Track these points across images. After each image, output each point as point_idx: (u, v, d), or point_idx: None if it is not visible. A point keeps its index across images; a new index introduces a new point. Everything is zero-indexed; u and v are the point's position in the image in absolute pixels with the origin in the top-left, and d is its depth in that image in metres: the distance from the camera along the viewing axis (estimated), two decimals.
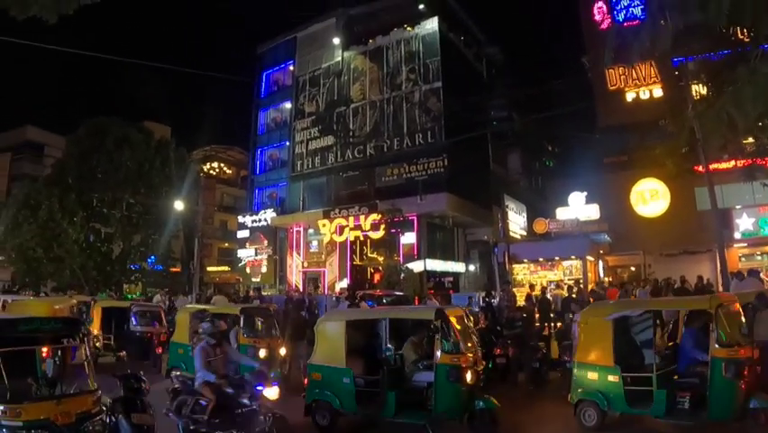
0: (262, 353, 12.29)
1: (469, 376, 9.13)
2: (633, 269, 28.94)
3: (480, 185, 33.60)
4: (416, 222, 30.88)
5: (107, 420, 6.56)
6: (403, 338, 10.45)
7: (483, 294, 24.69)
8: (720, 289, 19.93)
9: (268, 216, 38.01)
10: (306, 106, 37.68)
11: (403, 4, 34.90)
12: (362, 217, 31.34)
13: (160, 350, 16.21)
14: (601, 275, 28.58)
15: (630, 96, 29.30)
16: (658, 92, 28.91)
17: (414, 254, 30.56)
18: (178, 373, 6.63)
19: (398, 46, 34.39)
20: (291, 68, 39.89)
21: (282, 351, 13.44)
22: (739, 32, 17.67)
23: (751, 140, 22.04)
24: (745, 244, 28.63)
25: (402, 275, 28.82)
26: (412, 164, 31.69)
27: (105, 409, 6.92)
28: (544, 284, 26.99)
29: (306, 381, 10.28)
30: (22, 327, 6.96)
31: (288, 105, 39.45)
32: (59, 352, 7.53)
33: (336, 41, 36.62)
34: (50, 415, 6.15)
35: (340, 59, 36.53)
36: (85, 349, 7.23)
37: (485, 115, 35.31)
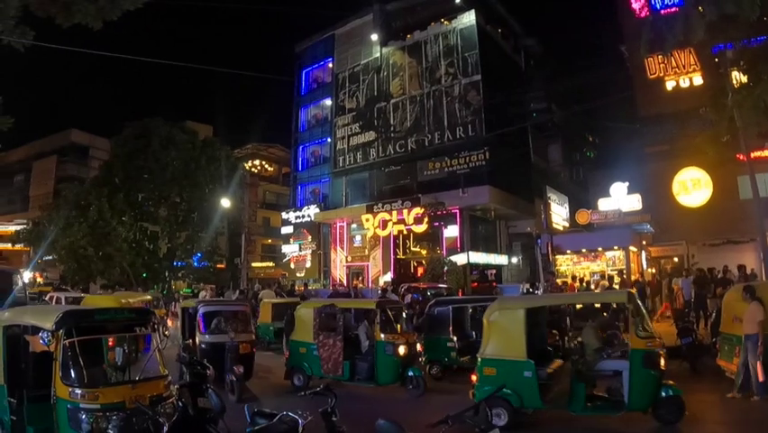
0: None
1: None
2: (676, 259, 28.75)
3: (522, 177, 33.77)
4: (458, 215, 31.18)
5: (177, 404, 6.80)
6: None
7: (528, 285, 25.14)
8: (764, 278, 19.94)
9: (311, 211, 38.71)
10: (346, 103, 38.19)
11: None
12: (405, 211, 31.69)
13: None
14: (644, 266, 28.61)
15: (670, 85, 29.03)
16: (698, 80, 28.61)
17: (456, 247, 30.88)
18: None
19: (436, 40, 34.64)
20: (330, 65, 40.37)
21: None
22: None
23: None
24: None
25: (445, 268, 29.22)
26: (453, 158, 31.96)
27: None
28: (587, 276, 27.22)
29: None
30: (98, 316, 7.54)
31: (328, 101, 40.01)
32: (133, 340, 7.95)
33: (374, 37, 36.95)
34: (126, 398, 6.51)
35: (378, 54, 36.90)
36: (156, 337, 7.64)
37: (525, 108, 35.43)
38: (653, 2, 30.87)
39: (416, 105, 34.45)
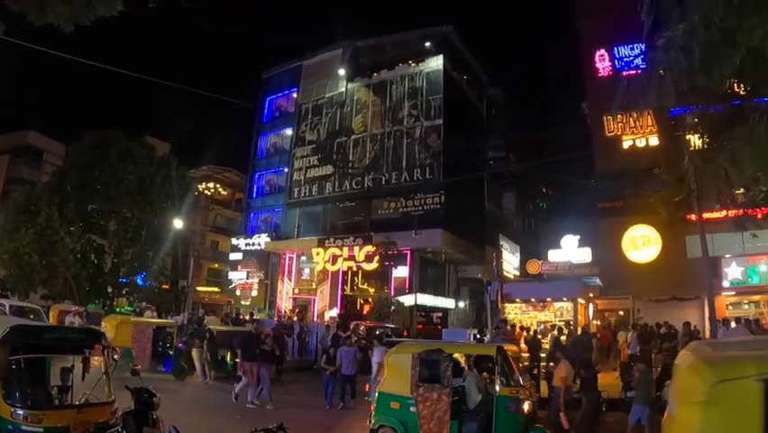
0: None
1: (526, 407, 10.24)
2: (621, 313, 29.19)
3: (475, 223, 33.93)
4: (409, 256, 31.09)
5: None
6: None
7: (476, 331, 24.90)
8: (708, 335, 20.20)
9: (262, 240, 38.16)
10: (306, 134, 38.04)
11: (410, 41, 35.45)
12: (357, 248, 31.50)
13: None
14: (591, 318, 28.74)
15: (627, 144, 29.76)
16: (654, 141, 29.40)
17: (405, 288, 30.71)
18: None
19: (402, 81, 34.92)
20: (295, 95, 40.30)
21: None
22: (736, 86, 18.18)
23: (743, 190, 22.48)
24: (733, 293, 28.99)
25: (393, 308, 28.92)
26: (409, 199, 32.03)
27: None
28: (534, 325, 27.17)
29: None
30: (48, 334, 7.09)
31: (289, 131, 39.80)
32: (80, 361, 7.68)
33: (341, 71, 37.09)
34: (70, 423, 6.30)
35: (344, 89, 36.99)
36: (105, 361, 7.41)
37: (483, 155, 35.85)
38: (616, 64, 31.75)
39: (377, 144, 34.51)
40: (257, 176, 42.32)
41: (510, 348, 11.76)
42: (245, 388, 14.72)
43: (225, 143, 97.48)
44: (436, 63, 34.01)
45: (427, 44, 34.92)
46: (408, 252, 31.02)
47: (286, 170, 38.96)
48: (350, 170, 35.13)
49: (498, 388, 10.26)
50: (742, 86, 17.13)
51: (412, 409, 10.23)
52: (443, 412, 10.07)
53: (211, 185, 53.59)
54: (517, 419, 9.82)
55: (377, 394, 10.78)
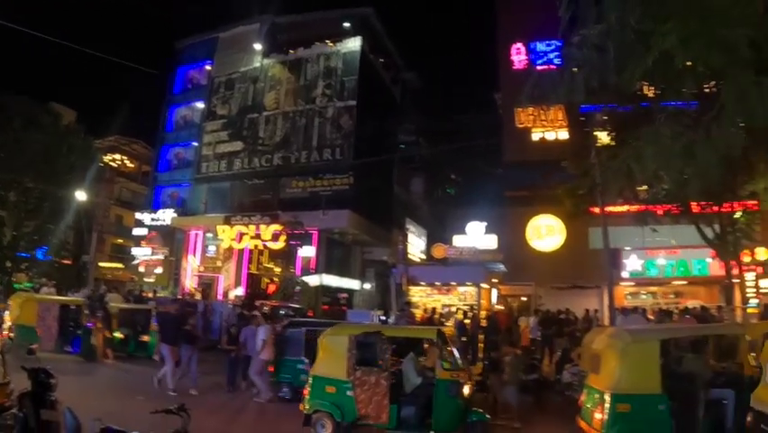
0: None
1: (466, 390, 9.96)
2: (524, 299, 29.88)
3: (383, 206, 33.84)
4: (315, 236, 30.69)
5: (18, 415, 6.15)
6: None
7: (380, 313, 24.85)
8: (607, 322, 20.93)
9: (167, 215, 36.92)
10: (218, 108, 36.94)
11: (329, 20, 34.91)
12: (263, 226, 30.89)
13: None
14: (494, 303, 29.29)
15: (536, 136, 30.38)
16: (563, 135, 30.13)
17: (311, 268, 30.35)
18: None
19: (318, 60, 34.38)
20: (209, 67, 39.02)
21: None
22: (645, 88, 18.75)
23: (645, 187, 23.36)
24: (632, 283, 30.20)
25: (298, 288, 28.54)
26: (318, 179, 31.65)
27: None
28: (439, 308, 27.44)
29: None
30: None
31: (200, 104, 38.55)
32: None
33: (258, 46, 36.17)
34: None
35: (259, 65, 36.09)
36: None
37: (394, 139, 35.78)
38: (532, 57, 32.28)
39: (288, 122, 33.91)
40: (165, 149, 40.78)
41: (448, 331, 11.57)
42: (167, 372, 13.66)
43: (134, 114, 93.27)
44: (354, 44, 33.63)
45: (346, 25, 34.49)
46: (315, 232, 30.62)
47: (195, 144, 37.74)
48: (260, 147, 34.35)
49: (437, 371, 10.10)
50: (652, 89, 17.68)
51: (349, 393, 9.93)
52: (381, 396, 9.86)
53: (117, 156, 51.37)
54: (457, 402, 9.64)
55: (311, 378, 10.28)
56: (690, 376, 9.22)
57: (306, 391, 10.16)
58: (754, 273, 29.39)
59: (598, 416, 8.73)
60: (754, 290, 28.93)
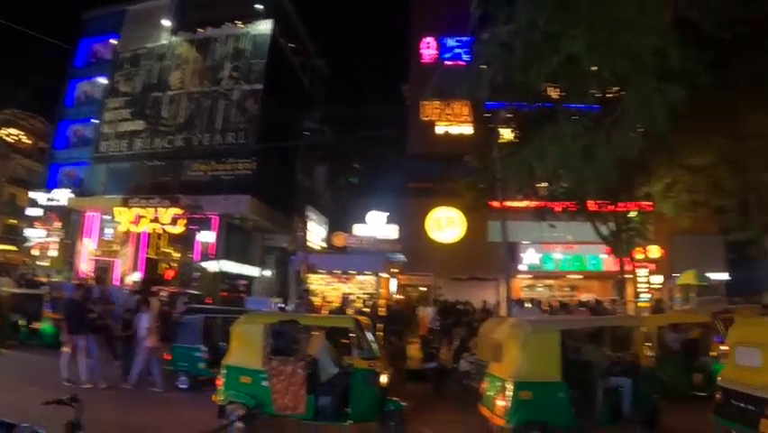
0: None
1: (384, 379, 9.73)
2: (423, 289, 30.20)
3: (285, 192, 33.43)
4: (216, 221, 30.13)
5: None
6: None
7: (279, 300, 24.58)
8: (503, 313, 21.40)
9: (64, 195, 35.38)
10: (121, 85, 35.64)
11: (241, 0, 34.12)
12: (162, 210, 30.03)
13: None
14: (394, 292, 29.46)
15: (441, 130, 30.64)
16: (468, 130, 30.50)
17: (210, 254, 29.78)
18: None
19: (227, 41, 33.71)
20: (114, 41, 37.57)
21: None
22: (551, 90, 19.14)
23: (545, 185, 23.96)
24: (529, 276, 30.99)
25: (197, 274, 27.98)
26: (220, 162, 31.11)
27: None
28: (338, 297, 27.36)
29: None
30: None
31: (103, 80, 37.09)
32: None
33: (166, 23, 35.11)
34: None
35: (166, 42, 35.07)
36: None
37: (299, 125, 35.36)
38: (442, 52, 32.46)
39: (193, 103, 33.17)
40: (64, 125, 39.11)
41: (364, 320, 11.19)
42: (70, 364, 12.84)
43: (33, 87, 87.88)
44: (265, 27, 33.14)
45: (258, 6, 33.87)
46: (216, 217, 30.05)
47: (95, 121, 36.28)
48: (162, 128, 33.41)
49: (354, 361, 10.09)
50: (557, 91, 18.02)
51: (264, 383, 9.61)
52: (298, 386, 9.58)
53: (13, 131, 48.57)
54: (375, 391, 9.48)
55: (225, 367, 9.81)
56: (588, 365, 9.70)
57: (220, 381, 9.79)
58: (647, 270, 30.71)
59: (500, 403, 8.99)
60: (646, 285, 30.24)
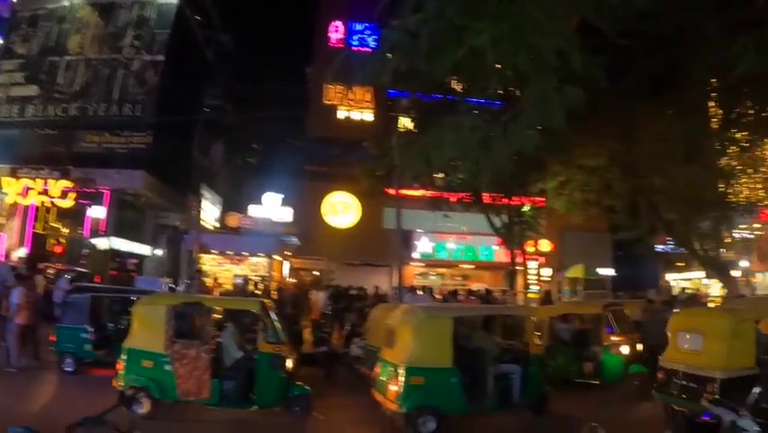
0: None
1: (289, 364, 9.63)
2: (316, 273, 30.26)
3: (180, 169, 32.59)
4: (108, 196, 29.06)
5: None
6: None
7: (169, 280, 24.16)
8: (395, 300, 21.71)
9: None
10: (17, 46, 33.70)
11: None
12: (52, 182, 28.69)
13: None
14: (286, 275, 29.43)
15: (342, 114, 30.64)
16: (369, 116, 30.56)
17: (100, 230, 28.79)
18: None
19: (132, 7, 32.49)
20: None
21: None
22: (454, 83, 19.21)
23: (442, 175, 24.26)
24: (422, 264, 31.46)
25: (86, 251, 27.14)
26: (114, 135, 29.97)
27: None
28: (230, 279, 27.18)
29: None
30: None
31: None
32: None
33: None
34: None
35: (68, 3, 33.32)
36: None
37: (200, 101, 34.49)
38: (349, 37, 32.25)
39: (90, 70, 31.85)
40: None
41: (269, 303, 10.99)
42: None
43: None
44: None
45: None
46: (108, 191, 28.99)
47: None
48: (56, 95, 31.96)
49: (260, 345, 9.80)
50: (460, 84, 18.02)
51: (167, 367, 9.31)
52: (202, 371, 9.36)
53: None
54: (280, 376, 9.40)
55: (126, 351, 9.41)
56: (479, 352, 9.94)
57: (120, 365, 9.42)
58: (537, 262, 31.70)
59: (392, 388, 9.10)
60: (536, 277, 31.22)
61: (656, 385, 9.58)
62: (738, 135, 21.70)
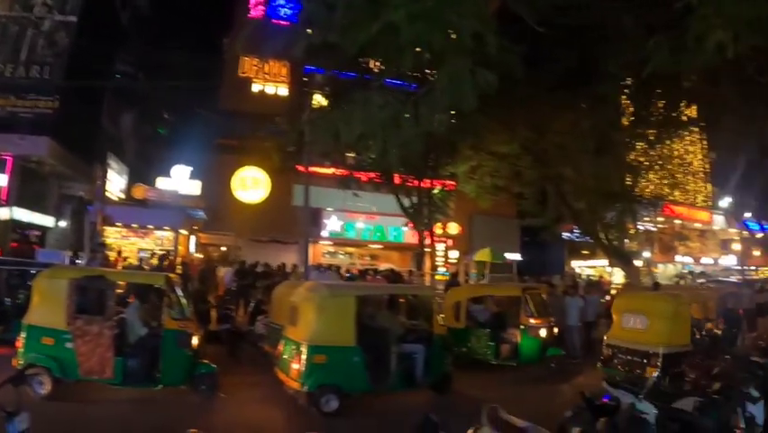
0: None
1: (195, 341, 9.47)
2: (224, 249, 30.13)
3: (87, 137, 31.50)
4: (10, 163, 28.04)
5: None
6: None
7: (71, 253, 23.76)
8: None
9: None
10: None
11: None
12: None
13: None
14: (192, 250, 29.29)
15: (256, 88, 30.28)
16: (283, 91, 30.27)
17: (2, 199, 27.80)
18: None
19: None
20: None
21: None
22: (372, 62, 19.25)
23: (354, 154, 24.36)
24: (331, 243, 31.66)
25: None
26: (19, 98, 28.72)
27: None
28: (134, 252, 26.94)
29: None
30: None
31: None
32: None
33: None
34: None
35: None
36: None
37: (111, 66, 33.47)
38: (269, 9, 31.71)
39: None
40: None
41: (174, 277, 10.87)
42: None
43: None
44: None
45: None
46: (10, 158, 27.98)
47: None
48: None
49: (165, 321, 9.56)
50: (378, 63, 17.96)
51: (69, 345, 9.01)
52: (105, 348, 9.09)
53: None
54: (186, 354, 9.25)
55: (25, 327, 9.11)
56: (383, 331, 10.00)
57: (20, 342, 9.09)
58: (445, 245, 32.20)
59: (295, 366, 9.12)
60: (444, 259, 31.76)
61: (602, 360, 10.76)
62: (647, 132, 22.43)
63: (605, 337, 11.12)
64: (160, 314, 9.79)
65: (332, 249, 31.94)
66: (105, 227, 26.28)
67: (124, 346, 9.36)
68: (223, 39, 33.42)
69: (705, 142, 46.13)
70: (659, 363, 9.48)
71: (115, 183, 31.68)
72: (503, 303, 14.80)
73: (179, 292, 10.07)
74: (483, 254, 27.23)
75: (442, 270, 30.24)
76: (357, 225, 31.22)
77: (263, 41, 24.32)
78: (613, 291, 24.60)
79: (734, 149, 27.51)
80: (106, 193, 27.90)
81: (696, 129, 39.08)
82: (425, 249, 26.70)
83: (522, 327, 13.23)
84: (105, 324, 9.16)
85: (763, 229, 36.52)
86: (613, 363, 10.40)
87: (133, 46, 35.28)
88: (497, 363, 13.27)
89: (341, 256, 32.03)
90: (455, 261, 31.31)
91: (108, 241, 26.33)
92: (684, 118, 24.55)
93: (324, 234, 30.46)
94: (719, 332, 12.90)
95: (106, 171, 28.14)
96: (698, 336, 11.44)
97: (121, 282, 11.10)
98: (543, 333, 13.28)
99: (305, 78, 27.77)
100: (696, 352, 10.14)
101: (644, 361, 9.80)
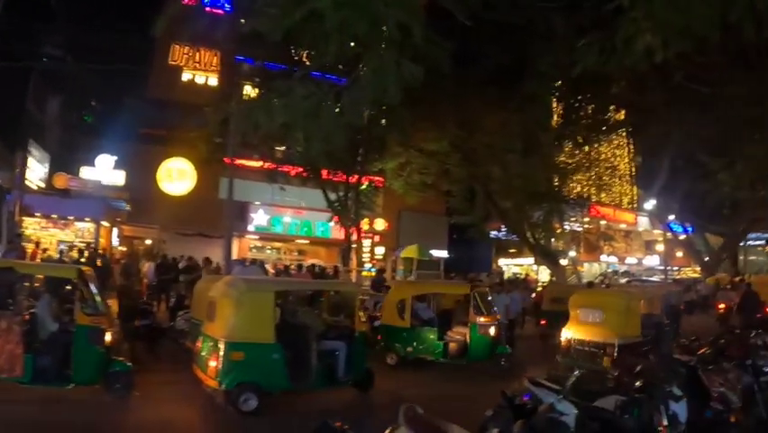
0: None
1: (108, 337, 8.93)
2: (149, 242, 29.49)
3: (9, 122, 30.51)
4: None
5: None
6: None
7: None
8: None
9: None
10: None
11: None
12: None
13: None
14: (115, 243, 28.68)
15: (186, 77, 29.76)
16: (214, 81, 29.85)
17: None
18: None
19: None
20: None
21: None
22: (303, 54, 19.09)
23: (284, 148, 24.20)
24: (257, 237, 31.42)
25: None
26: None
27: None
28: (53, 244, 26.24)
29: None
30: None
31: None
32: None
33: None
34: None
35: None
36: None
37: (39, 49, 32.36)
38: None
39: None
40: None
41: (88, 270, 10.15)
42: None
43: None
44: None
45: None
46: None
47: None
48: None
49: (77, 316, 9.05)
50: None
51: None
52: (14, 345, 8.50)
53: None
54: (99, 351, 8.76)
55: None
56: (303, 328, 9.75)
57: None
58: (371, 241, 32.37)
59: (212, 364, 8.80)
60: (370, 255, 31.92)
61: (560, 352, 11.59)
62: (576, 134, 23.06)
63: (563, 330, 11.94)
64: (72, 309, 9.48)
65: (259, 244, 31.65)
66: (23, 218, 25.45)
67: (35, 343, 8.90)
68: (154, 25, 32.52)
69: (632, 146, 47.79)
70: (614, 353, 10.40)
71: (36, 171, 30.54)
72: (446, 301, 14.92)
73: (93, 287, 9.64)
74: (410, 251, 27.36)
75: (368, 266, 30.35)
76: (284, 220, 31.01)
77: (195, 28, 24.00)
78: (539, 289, 25.10)
79: (659, 153, 28.43)
80: (26, 181, 26.99)
81: (623, 133, 40.46)
82: (352, 245, 26.80)
83: (470, 325, 13.11)
84: (15, 319, 8.68)
85: (685, 231, 38.06)
86: (571, 355, 11.26)
87: (63, 27, 34.02)
88: (445, 361, 13.12)
89: (268, 251, 31.81)
90: (382, 257, 31.46)
91: (27, 232, 25.48)
92: (612, 122, 25.37)
93: (251, 228, 30.15)
94: (666, 325, 13.70)
95: (26, 159, 27.14)
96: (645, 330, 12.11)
97: (32, 275, 10.55)
98: (492, 331, 13.18)
99: (235, 68, 27.52)
100: (645, 342, 11.18)
101: (601, 351, 10.79)
